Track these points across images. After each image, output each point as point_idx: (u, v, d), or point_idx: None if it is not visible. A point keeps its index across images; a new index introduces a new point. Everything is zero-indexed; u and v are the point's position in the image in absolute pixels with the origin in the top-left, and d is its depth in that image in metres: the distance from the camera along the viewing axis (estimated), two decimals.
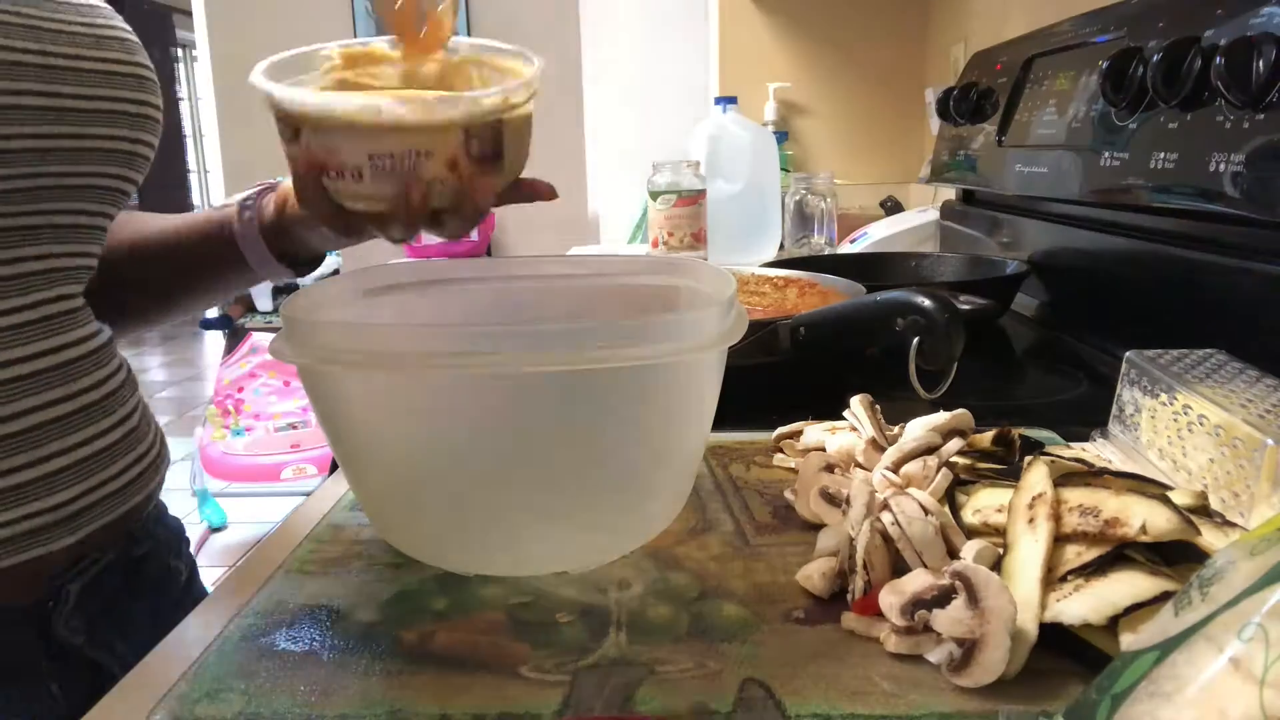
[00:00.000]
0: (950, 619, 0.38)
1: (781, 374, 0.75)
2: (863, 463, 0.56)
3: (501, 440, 0.46)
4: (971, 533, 0.45)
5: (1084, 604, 0.38)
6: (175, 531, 0.70)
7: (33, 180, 0.54)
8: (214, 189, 3.82)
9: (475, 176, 0.56)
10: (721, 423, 0.54)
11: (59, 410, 0.56)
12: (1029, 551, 0.41)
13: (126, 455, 0.61)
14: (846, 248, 1.65)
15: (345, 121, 0.53)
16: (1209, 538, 0.41)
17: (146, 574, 0.63)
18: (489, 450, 0.46)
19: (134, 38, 0.62)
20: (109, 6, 0.62)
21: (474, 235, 3.64)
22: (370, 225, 0.59)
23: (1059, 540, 0.41)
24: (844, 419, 0.60)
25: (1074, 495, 0.42)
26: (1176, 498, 0.43)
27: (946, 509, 0.47)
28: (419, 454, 0.48)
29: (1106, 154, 0.89)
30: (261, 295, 3.11)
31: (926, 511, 0.44)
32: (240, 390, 3.00)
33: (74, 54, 0.56)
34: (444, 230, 0.59)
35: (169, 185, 6.96)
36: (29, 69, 0.53)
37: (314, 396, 0.49)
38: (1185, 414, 0.51)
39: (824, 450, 0.58)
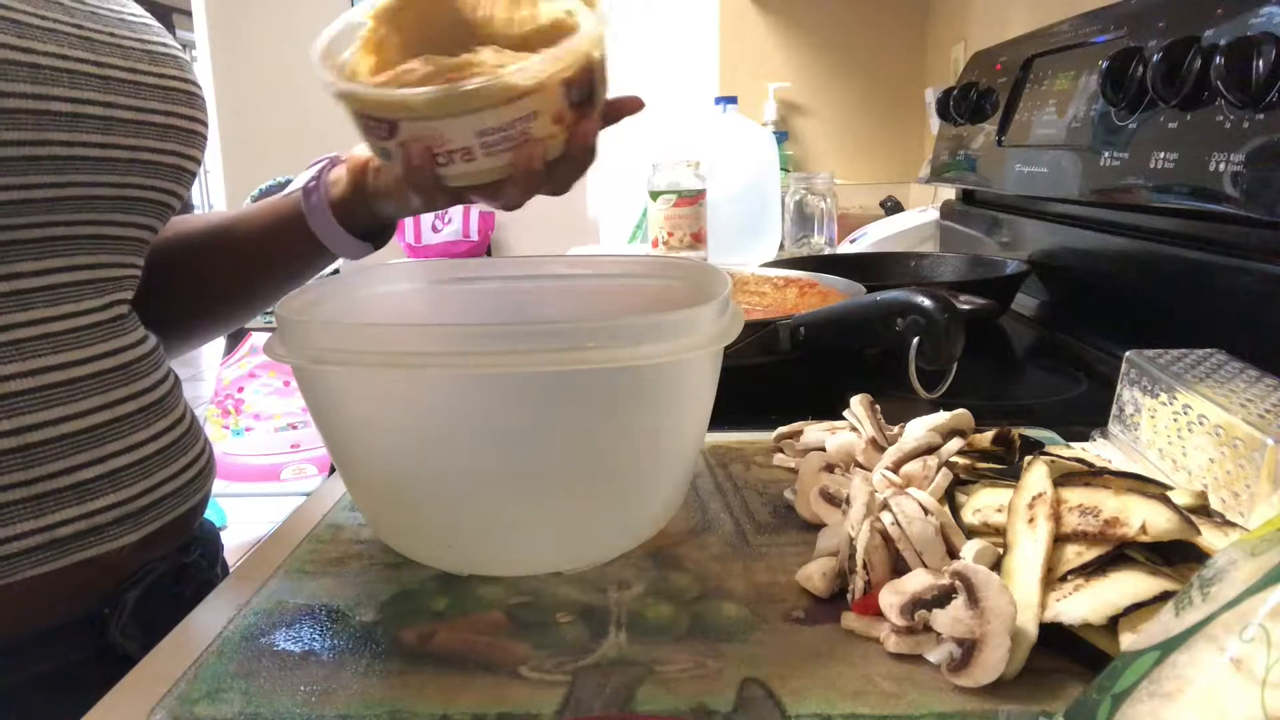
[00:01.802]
0: (950, 619, 0.38)
1: (781, 374, 0.75)
2: (863, 463, 0.56)
3: (496, 440, 0.46)
4: (971, 533, 0.45)
5: (1084, 604, 0.37)
6: (214, 542, 0.71)
7: (88, 189, 0.55)
8: (214, 188, 3.81)
9: (579, 122, 0.55)
10: (721, 423, 0.54)
11: (121, 410, 0.57)
12: (1029, 551, 0.41)
13: (184, 456, 0.62)
14: (846, 248, 1.65)
15: (460, 105, 0.51)
16: (1209, 538, 0.41)
17: (191, 583, 0.64)
18: (483, 450, 0.46)
19: (185, 56, 0.64)
20: (159, 24, 0.63)
21: (474, 235, 3.64)
22: (481, 197, 0.58)
23: (1059, 540, 0.41)
24: (844, 419, 0.60)
25: (1074, 495, 0.42)
26: (1176, 498, 0.43)
27: (946, 509, 0.47)
28: (414, 454, 0.48)
29: (1106, 154, 0.89)
30: None
31: (926, 511, 0.44)
32: (240, 390, 3.00)
33: (129, 67, 0.57)
34: (560, 183, 0.58)
35: None
36: (90, 79, 0.54)
37: (309, 397, 0.49)
38: (1185, 414, 0.51)
39: (824, 450, 0.58)
